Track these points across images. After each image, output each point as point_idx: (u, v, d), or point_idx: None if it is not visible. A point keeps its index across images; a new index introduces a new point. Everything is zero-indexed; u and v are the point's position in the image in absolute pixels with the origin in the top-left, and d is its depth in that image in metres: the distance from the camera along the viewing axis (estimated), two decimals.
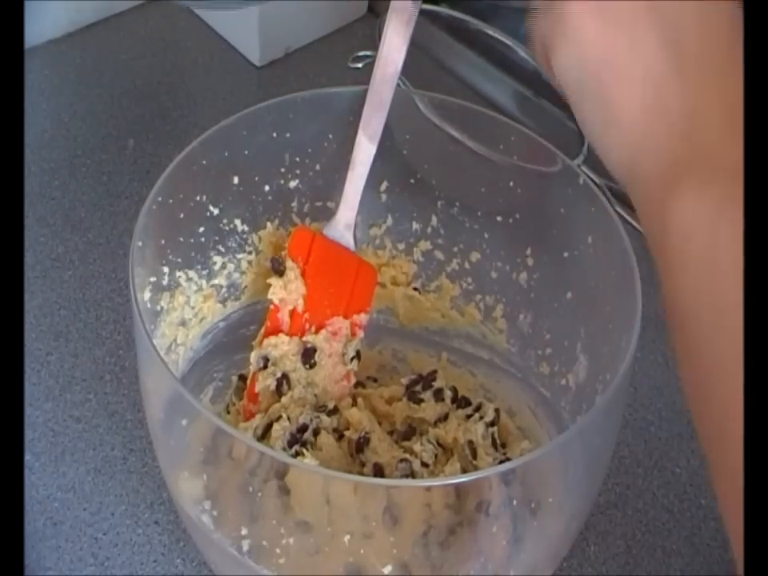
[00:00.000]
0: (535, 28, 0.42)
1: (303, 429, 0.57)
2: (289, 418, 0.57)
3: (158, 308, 0.57)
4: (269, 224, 0.62)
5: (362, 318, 0.62)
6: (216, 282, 0.61)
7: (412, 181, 0.63)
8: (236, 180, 0.60)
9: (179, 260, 0.58)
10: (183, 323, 0.59)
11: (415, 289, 0.65)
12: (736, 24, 0.39)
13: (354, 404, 0.60)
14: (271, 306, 0.60)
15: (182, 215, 0.57)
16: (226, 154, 0.58)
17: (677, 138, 0.37)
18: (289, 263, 0.60)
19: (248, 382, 0.60)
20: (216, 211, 0.60)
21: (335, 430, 0.58)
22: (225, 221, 0.60)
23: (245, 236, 0.62)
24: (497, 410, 0.59)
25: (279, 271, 0.60)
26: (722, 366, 0.34)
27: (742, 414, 0.33)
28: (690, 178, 0.36)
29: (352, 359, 0.61)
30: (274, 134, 0.59)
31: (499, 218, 0.61)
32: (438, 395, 0.61)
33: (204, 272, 0.60)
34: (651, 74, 0.38)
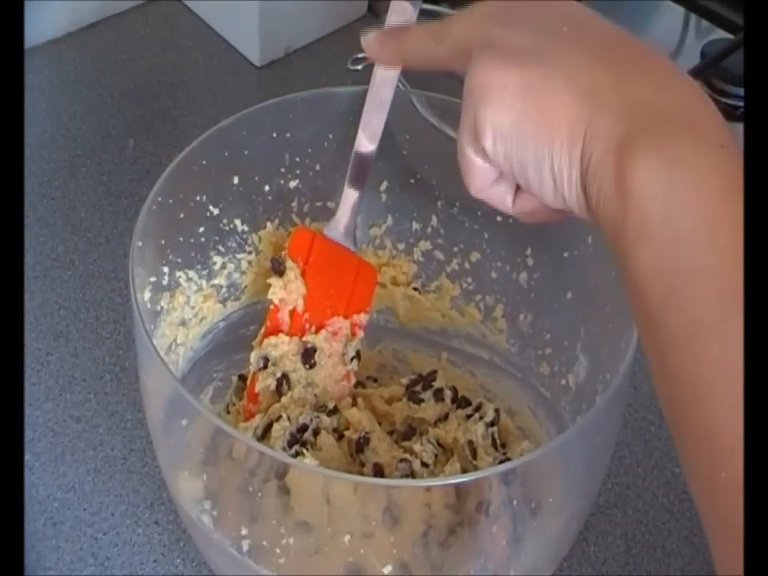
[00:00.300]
0: (464, 121, 0.42)
1: (303, 429, 0.57)
2: (289, 418, 0.57)
3: (158, 308, 0.57)
4: (269, 224, 0.62)
5: (362, 318, 0.62)
6: (216, 282, 0.61)
7: (412, 181, 0.63)
8: (236, 180, 0.60)
9: (179, 260, 0.58)
10: (183, 323, 0.59)
11: (415, 289, 0.65)
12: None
13: (354, 404, 0.60)
14: (271, 306, 0.60)
15: (182, 215, 0.57)
16: (226, 153, 0.58)
17: (616, 113, 0.38)
18: (289, 263, 0.60)
19: (248, 381, 0.60)
20: (216, 211, 0.60)
21: (335, 430, 0.58)
22: (225, 221, 0.60)
23: (245, 236, 0.62)
24: (497, 410, 0.59)
25: (279, 271, 0.60)
26: (685, 335, 0.34)
27: (710, 385, 0.33)
28: (639, 145, 0.36)
29: (352, 359, 0.61)
30: (274, 134, 0.59)
31: (499, 218, 0.61)
32: (438, 395, 0.61)
33: (204, 272, 0.60)
34: (570, 74, 0.39)
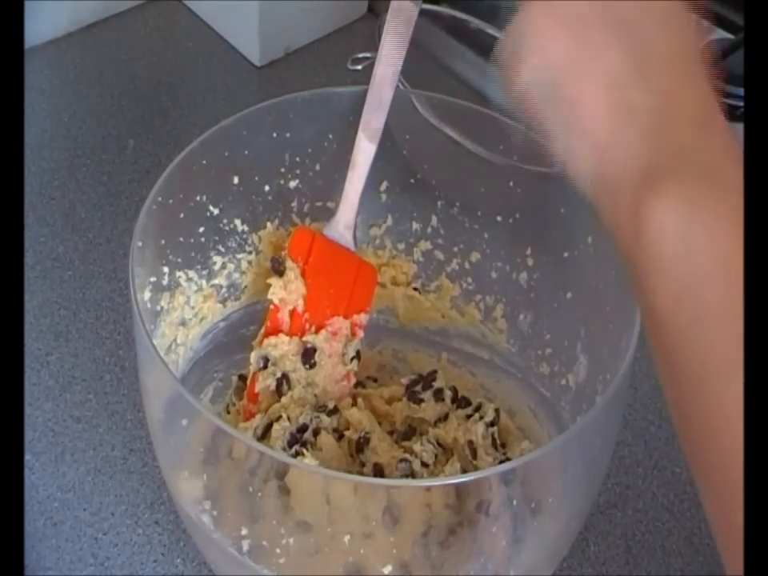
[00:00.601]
0: (504, 46, 0.42)
1: (303, 429, 0.57)
2: (289, 418, 0.57)
3: (158, 308, 0.57)
4: (269, 224, 0.62)
5: (362, 318, 0.62)
6: (216, 282, 0.61)
7: (412, 181, 0.63)
8: (236, 180, 0.60)
9: (179, 260, 0.58)
10: (183, 323, 0.59)
11: (415, 289, 0.65)
12: (697, 36, 0.40)
13: (354, 404, 0.60)
14: (271, 306, 0.60)
15: (182, 215, 0.57)
16: (226, 154, 0.58)
17: (643, 141, 0.37)
18: (289, 263, 0.60)
19: (248, 382, 0.60)
20: (216, 211, 0.60)
21: (335, 430, 0.58)
22: (225, 221, 0.60)
23: (245, 236, 0.62)
24: (497, 410, 0.59)
25: (279, 271, 0.60)
26: (703, 372, 0.34)
27: (727, 419, 0.33)
28: (661, 181, 0.36)
29: (352, 359, 0.61)
30: (274, 134, 0.59)
31: (499, 218, 0.61)
32: (438, 395, 0.61)
33: (204, 272, 0.60)
34: (614, 78, 0.38)
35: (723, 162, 0.37)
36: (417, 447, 0.57)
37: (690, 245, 0.35)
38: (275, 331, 0.60)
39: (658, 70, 0.38)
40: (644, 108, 0.38)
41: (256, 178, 0.61)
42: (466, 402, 0.61)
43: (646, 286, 0.36)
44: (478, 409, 0.60)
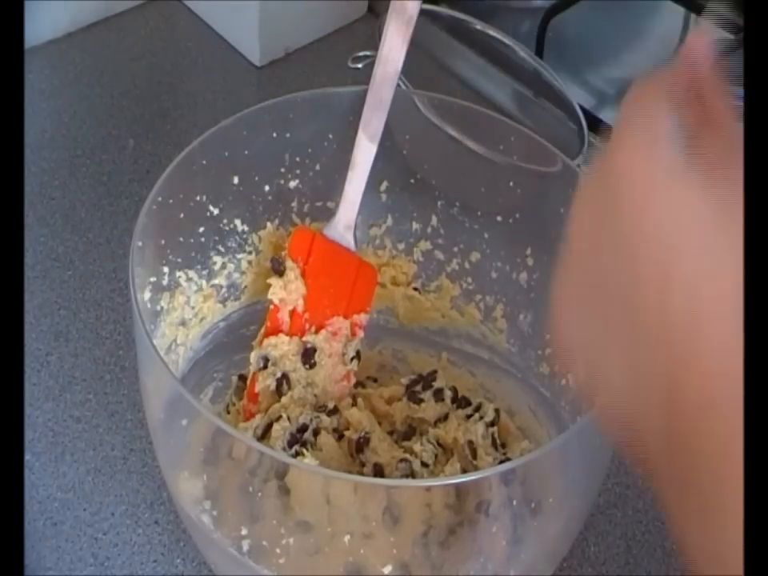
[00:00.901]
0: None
1: (303, 429, 0.57)
2: (289, 418, 0.57)
3: (158, 308, 0.57)
4: (269, 224, 0.62)
5: (362, 318, 0.62)
6: (216, 282, 0.61)
7: (412, 181, 0.63)
8: (236, 180, 0.60)
9: (179, 260, 0.58)
10: (183, 323, 0.59)
11: (415, 289, 0.65)
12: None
13: (354, 404, 0.60)
14: (271, 306, 0.60)
15: (182, 215, 0.57)
16: (226, 154, 0.58)
17: (650, 454, 0.35)
18: (289, 263, 0.60)
19: (248, 382, 0.60)
20: (216, 211, 0.60)
21: (335, 430, 0.58)
22: (225, 221, 0.61)
23: (245, 236, 0.62)
24: (497, 410, 0.59)
25: (279, 271, 0.60)
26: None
27: None
28: (672, 467, 0.34)
29: (352, 359, 0.61)
30: (274, 134, 0.59)
31: (499, 218, 0.61)
32: (438, 395, 0.61)
33: (204, 272, 0.60)
34: (622, 362, 0.36)
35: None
36: (417, 447, 0.57)
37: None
38: (275, 331, 0.60)
39: (662, 342, 0.34)
40: (654, 400, 0.34)
41: (256, 178, 0.61)
42: (466, 402, 0.61)
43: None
44: (478, 409, 0.60)
